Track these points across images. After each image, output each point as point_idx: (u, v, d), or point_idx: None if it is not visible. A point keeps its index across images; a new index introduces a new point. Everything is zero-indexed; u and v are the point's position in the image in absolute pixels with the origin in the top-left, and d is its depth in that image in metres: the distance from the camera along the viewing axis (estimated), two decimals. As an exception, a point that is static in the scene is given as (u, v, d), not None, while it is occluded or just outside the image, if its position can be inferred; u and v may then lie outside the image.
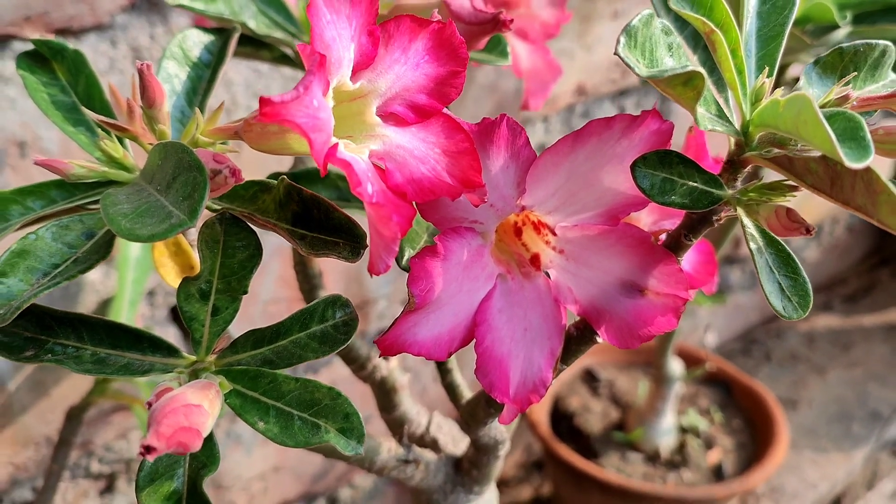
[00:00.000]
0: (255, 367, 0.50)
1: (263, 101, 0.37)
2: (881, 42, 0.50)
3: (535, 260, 0.55)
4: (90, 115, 0.51)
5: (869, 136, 0.38)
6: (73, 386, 1.06)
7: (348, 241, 0.47)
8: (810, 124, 0.40)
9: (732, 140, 0.50)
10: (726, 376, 1.51)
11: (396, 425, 0.73)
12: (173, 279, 0.59)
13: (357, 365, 0.73)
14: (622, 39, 0.43)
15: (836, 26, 0.82)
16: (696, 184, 0.48)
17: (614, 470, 1.34)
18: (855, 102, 0.45)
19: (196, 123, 0.50)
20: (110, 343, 0.49)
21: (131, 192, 0.45)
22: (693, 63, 0.52)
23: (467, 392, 0.69)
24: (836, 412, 1.80)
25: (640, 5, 1.39)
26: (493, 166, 0.51)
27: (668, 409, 1.36)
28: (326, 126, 0.40)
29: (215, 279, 0.49)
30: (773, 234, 0.49)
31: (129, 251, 1.02)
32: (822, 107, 0.50)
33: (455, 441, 0.73)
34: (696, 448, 1.39)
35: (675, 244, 0.52)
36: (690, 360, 1.46)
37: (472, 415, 0.64)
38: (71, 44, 0.83)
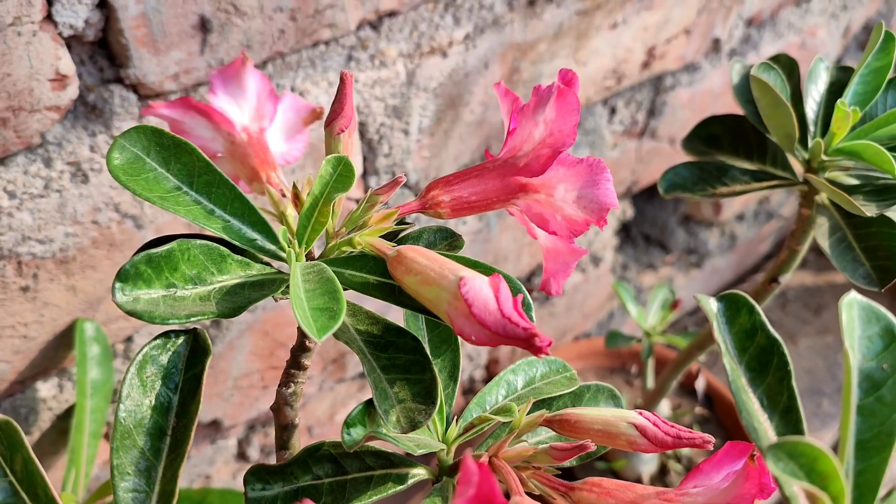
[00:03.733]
0: None
1: None
2: None
3: None
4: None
5: None
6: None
7: None
8: None
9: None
10: (710, 389, 1.48)
11: None
12: None
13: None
14: None
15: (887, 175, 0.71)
16: None
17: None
18: None
19: None
20: None
21: None
22: None
23: None
24: (806, 387, 1.81)
25: (642, 13, 1.23)
26: None
27: (655, 441, 1.34)
28: None
29: None
30: None
31: (87, 369, 0.91)
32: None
33: None
34: (677, 472, 1.38)
35: None
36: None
37: None
38: None
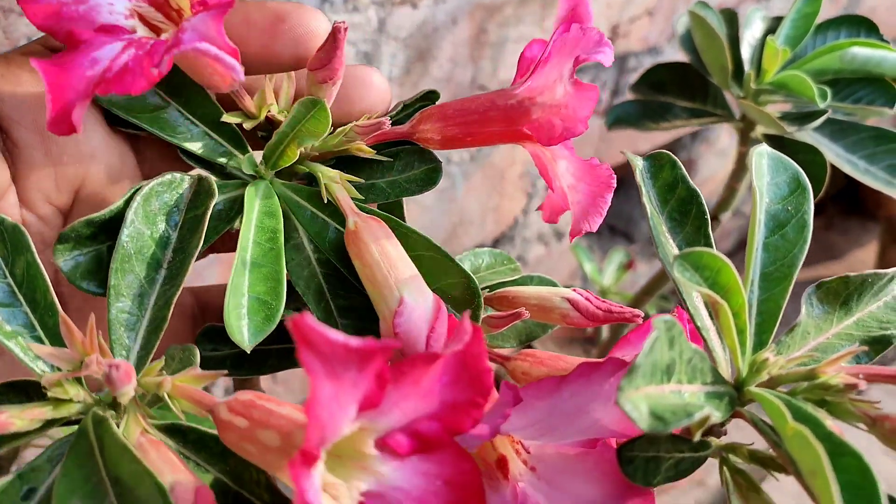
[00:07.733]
0: None
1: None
2: (890, 271, 0.47)
3: (502, 464, 0.51)
4: (40, 350, 0.43)
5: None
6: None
7: None
8: (819, 478, 0.36)
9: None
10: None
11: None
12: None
13: None
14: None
15: (814, 105, 0.78)
16: (682, 454, 0.45)
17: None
18: (862, 378, 0.42)
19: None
20: None
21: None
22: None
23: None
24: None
25: (606, -12, 1.31)
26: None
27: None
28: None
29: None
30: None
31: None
32: (815, 351, 0.48)
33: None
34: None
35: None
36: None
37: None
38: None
